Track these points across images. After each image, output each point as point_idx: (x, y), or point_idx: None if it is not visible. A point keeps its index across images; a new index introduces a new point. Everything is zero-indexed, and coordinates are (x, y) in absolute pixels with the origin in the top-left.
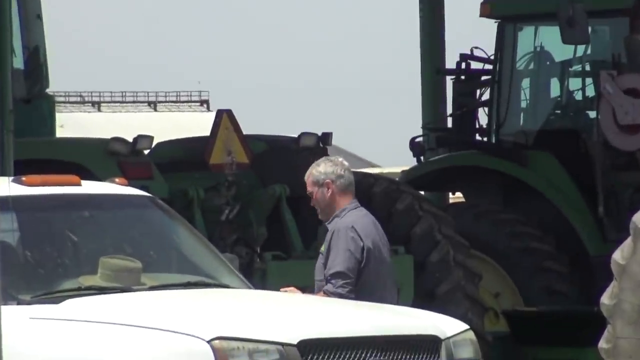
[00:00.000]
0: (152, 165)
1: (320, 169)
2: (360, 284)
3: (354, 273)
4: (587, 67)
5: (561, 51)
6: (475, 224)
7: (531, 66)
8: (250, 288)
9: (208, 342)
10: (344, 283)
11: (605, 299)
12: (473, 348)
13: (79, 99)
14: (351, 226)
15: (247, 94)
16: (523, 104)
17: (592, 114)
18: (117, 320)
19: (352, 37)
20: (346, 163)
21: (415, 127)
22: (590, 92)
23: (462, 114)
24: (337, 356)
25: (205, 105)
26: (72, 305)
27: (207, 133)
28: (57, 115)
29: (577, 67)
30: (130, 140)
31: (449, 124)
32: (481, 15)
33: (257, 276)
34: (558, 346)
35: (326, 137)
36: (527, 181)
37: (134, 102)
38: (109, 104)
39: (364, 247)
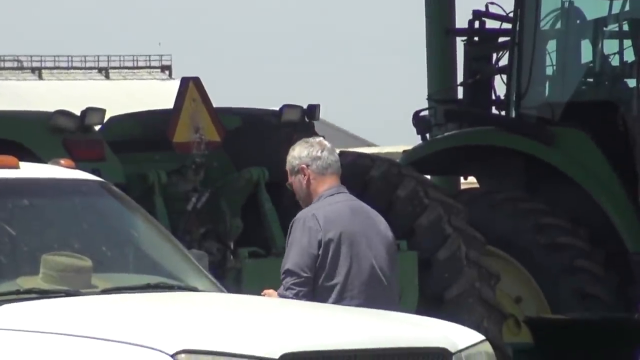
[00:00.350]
0: (104, 144)
1: (294, 154)
2: (323, 283)
3: (307, 270)
4: (625, 27)
5: (594, 7)
6: (492, 215)
7: (558, 25)
8: (222, 291)
9: (172, 356)
10: (293, 283)
11: None
12: None
13: (16, 64)
14: (312, 214)
15: (218, 59)
16: (548, 71)
17: (632, 83)
18: (63, 329)
19: None
20: (326, 142)
21: (419, 99)
22: (629, 56)
23: (476, 82)
24: None
25: (167, 72)
26: (9, 312)
27: (170, 105)
28: None
29: (613, 27)
30: (78, 113)
31: (460, 94)
32: None
33: (230, 277)
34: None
35: (313, 111)
36: (554, 163)
37: (82, 68)
38: (52, 71)
39: (322, 239)
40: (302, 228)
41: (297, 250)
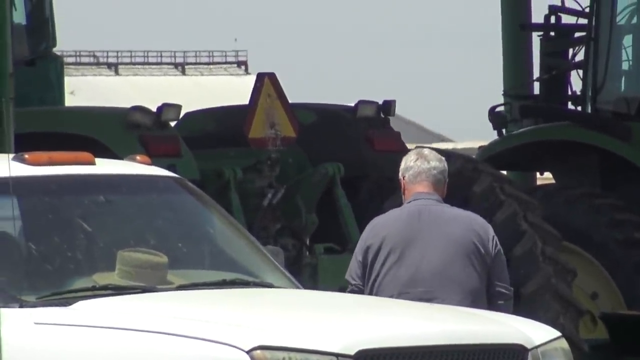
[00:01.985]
0: (179, 140)
1: (401, 164)
2: (369, 289)
3: (356, 277)
4: None
5: None
6: (568, 211)
7: (634, 20)
8: (298, 287)
9: (247, 352)
10: (348, 290)
11: None
12: (566, 359)
13: (92, 59)
14: (374, 221)
15: (293, 54)
16: (625, 66)
17: None
18: (138, 326)
19: None
20: (428, 151)
21: (495, 94)
22: None
23: (552, 77)
24: None
25: (243, 68)
26: (85, 308)
27: (246, 101)
28: (67, 80)
29: None
30: (154, 109)
31: (536, 90)
32: None
33: (306, 273)
34: None
35: (388, 106)
36: (631, 159)
37: (158, 63)
38: (129, 66)
39: (369, 246)
40: (364, 233)
41: (352, 258)
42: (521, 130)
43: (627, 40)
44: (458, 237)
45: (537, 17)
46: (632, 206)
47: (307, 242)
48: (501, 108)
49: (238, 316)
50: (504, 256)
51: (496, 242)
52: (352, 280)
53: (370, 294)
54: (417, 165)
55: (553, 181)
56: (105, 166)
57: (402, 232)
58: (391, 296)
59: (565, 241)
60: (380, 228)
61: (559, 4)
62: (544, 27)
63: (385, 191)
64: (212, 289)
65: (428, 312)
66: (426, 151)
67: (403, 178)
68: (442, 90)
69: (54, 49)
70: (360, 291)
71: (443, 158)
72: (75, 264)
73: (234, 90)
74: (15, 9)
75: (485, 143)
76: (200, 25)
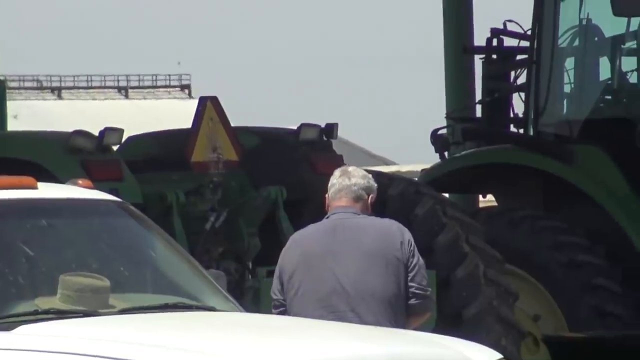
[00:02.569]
0: (122, 164)
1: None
2: (289, 303)
3: (277, 293)
4: None
5: (612, 24)
6: (510, 233)
7: (576, 43)
8: (240, 310)
9: None
10: (272, 306)
11: None
12: None
13: (35, 84)
14: (291, 238)
15: (236, 78)
16: (567, 89)
17: None
18: (80, 350)
19: (363, 6)
20: (350, 168)
21: (437, 117)
22: None
23: (494, 100)
24: None
25: (186, 91)
26: (27, 333)
27: (189, 125)
28: (10, 104)
29: (632, 44)
30: (96, 133)
31: (478, 112)
32: None
33: (249, 296)
34: None
35: (331, 130)
36: (573, 181)
37: (101, 87)
38: (72, 91)
39: (288, 261)
40: (283, 250)
41: (275, 273)
42: (463, 153)
43: (569, 62)
44: (372, 247)
45: (480, 39)
46: (574, 228)
47: (250, 266)
48: (444, 131)
49: (180, 340)
50: (420, 258)
51: (411, 244)
52: (275, 296)
53: (290, 308)
54: (339, 182)
55: (495, 204)
56: (47, 190)
57: (318, 246)
58: (309, 310)
59: (508, 264)
60: (297, 245)
61: (501, 26)
62: (486, 49)
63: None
64: (155, 312)
65: (371, 334)
66: (351, 169)
67: (327, 196)
68: (385, 113)
69: None
70: (282, 305)
71: (370, 176)
72: (17, 289)
73: (177, 113)
74: None
75: (427, 166)
76: (144, 48)
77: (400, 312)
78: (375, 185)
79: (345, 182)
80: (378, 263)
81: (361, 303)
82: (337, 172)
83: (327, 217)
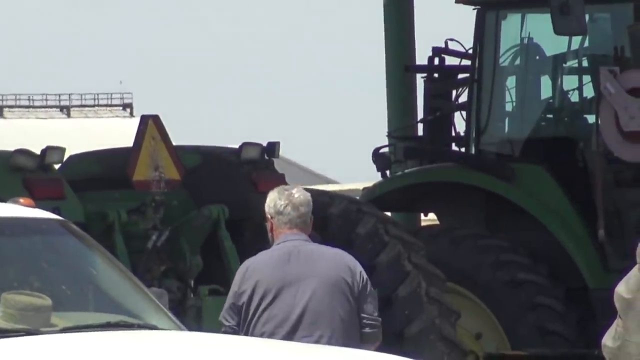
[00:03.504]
0: (63, 182)
1: (268, 200)
2: (256, 330)
3: (229, 319)
4: (585, 63)
5: (553, 44)
6: (452, 252)
7: (517, 62)
8: (182, 329)
9: None
10: (222, 331)
11: (607, 340)
12: None
13: None
14: (244, 265)
15: (178, 96)
16: (508, 107)
17: (591, 119)
18: None
19: (306, 25)
20: (297, 194)
21: (379, 136)
22: (589, 92)
23: (435, 119)
24: None
25: (128, 110)
26: None
27: (130, 143)
28: None
29: (573, 63)
30: (38, 152)
31: (420, 131)
32: (457, 1)
33: (190, 314)
34: None
35: (272, 148)
36: (514, 200)
37: (43, 106)
38: (14, 109)
39: (244, 290)
40: (236, 276)
41: (227, 300)
42: (405, 171)
43: (511, 81)
44: (328, 275)
45: (421, 58)
46: (516, 247)
47: (192, 284)
48: (385, 149)
49: None
50: (372, 289)
51: (363, 276)
52: (226, 322)
53: (246, 334)
54: (287, 212)
55: (437, 222)
56: None
57: (273, 274)
58: (271, 334)
59: (450, 282)
60: (252, 272)
61: (443, 45)
62: (428, 68)
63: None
64: (97, 331)
65: (312, 352)
66: (296, 198)
67: (271, 218)
68: (327, 132)
69: None
70: (234, 332)
71: (310, 199)
72: None
73: (119, 132)
74: None
75: (369, 184)
76: (86, 67)
77: (355, 338)
78: (311, 207)
79: (295, 213)
80: (333, 290)
81: (319, 329)
82: (282, 201)
83: (278, 244)
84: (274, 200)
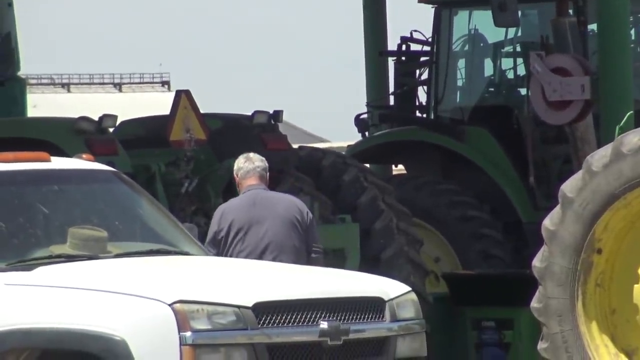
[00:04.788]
0: (116, 142)
1: (235, 164)
2: (231, 250)
3: (210, 248)
4: (518, 48)
5: (493, 34)
6: (416, 194)
7: (466, 48)
8: (208, 255)
9: (170, 305)
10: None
11: (536, 262)
12: (415, 308)
13: (50, 81)
14: (219, 209)
15: (205, 75)
16: (459, 83)
17: (523, 91)
18: (85, 285)
19: (304, 24)
20: (252, 155)
21: (360, 105)
22: (521, 71)
23: (403, 92)
24: (289, 317)
25: (166, 86)
26: (44, 272)
27: (168, 112)
28: (30, 97)
29: (509, 49)
30: (96, 119)
31: (391, 101)
32: (419, 1)
33: None
34: (494, 306)
35: (277, 115)
36: (464, 154)
37: (100, 83)
38: (78, 86)
39: (221, 228)
40: (214, 217)
41: (208, 234)
42: (380, 132)
43: (461, 63)
44: (284, 215)
45: (392, 45)
46: (466, 191)
47: None
48: (364, 116)
49: (162, 277)
50: (316, 224)
51: (309, 215)
52: (208, 251)
53: (242, 253)
54: (245, 166)
55: (405, 172)
56: (58, 163)
57: (244, 214)
58: (258, 256)
59: (415, 217)
60: (227, 214)
61: (409, 35)
62: (397, 53)
63: (273, 180)
64: (142, 256)
65: (310, 273)
66: (252, 155)
67: (237, 175)
68: (320, 101)
69: (19, 73)
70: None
71: (264, 159)
72: (36, 239)
73: (159, 104)
74: None
75: (352, 143)
76: (134, 52)
77: (304, 262)
78: (267, 165)
79: (250, 165)
80: (288, 226)
81: (280, 254)
82: (241, 159)
83: (244, 193)
84: (237, 162)
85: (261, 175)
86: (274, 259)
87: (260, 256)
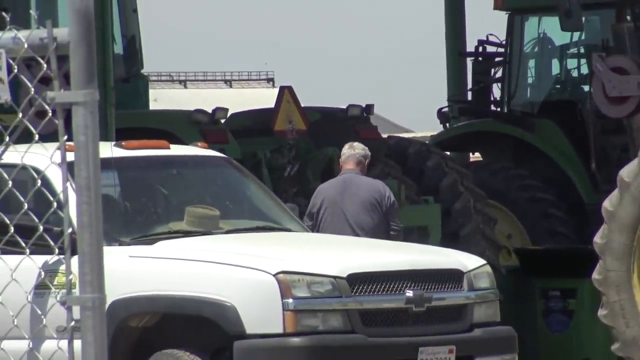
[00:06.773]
0: (227, 132)
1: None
2: (322, 230)
3: (307, 220)
4: (582, 50)
5: (560, 37)
6: (491, 179)
7: (536, 49)
8: (307, 231)
9: (274, 275)
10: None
11: (597, 238)
12: (489, 279)
13: (169, 78)
14: (319, 188)
15: (306, 72)
16: (529, 80)
17: (586, 88)
18: (200, 258)
19: (392, 29)
20: (355, 144)
21: (442, 99)
22: (584, 70)
23: (480, 88)
24: (379, 286)
25: (271, 83)
26: (164, 246)
27: (272, 105)
28: (151, 92)
29: (574, 50)
30: (210, 111)
31: (469, 97)
32: (495, 8)
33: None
34: (560, 277)
35: (369, 108)
36: (534, 144)
37: (213, 80)
38: (193, 82)
39: (315, 203)
40: (314, 195)
41: (308, 209)
42: (459, 124)
43: (531, 63)
44: (365, 196)
45: (470, 47)
46: (534, 176)
47: None
48: (446, 109)
49: (267, 251)
50: (397, 206)
51: (391, 197)
52: (306, 222)
53: (319, 231)
54: (347, 152)
55: (481, 159)
56: (177, 150)
57: (335, 194)
58: (332, 229)
59: (489, 199)
60: (321, 192)
61: (485, 38)
62: (475, 54)
63: (367, 167)
64: (250, 232)
65: (398, 248)
66: (355, 143)
67: (341, 160)
68: (407, 95)
69: (142, 70)
70: (310, 228)
71: (366, 148)
72: (157, 216)
73: (264, 98)
74: (116, 43)
75: (435, 133)
76: (242, 53)
77: (383, 238)
78: (369, 153)
79: (351, 152)
80: (368, 206)
81: (360, 232)
82: (346, 146)
83: (341, 175)
84: (343, 148)
85: (359, 160)
86: (356, 235)
87: (341, 231)
